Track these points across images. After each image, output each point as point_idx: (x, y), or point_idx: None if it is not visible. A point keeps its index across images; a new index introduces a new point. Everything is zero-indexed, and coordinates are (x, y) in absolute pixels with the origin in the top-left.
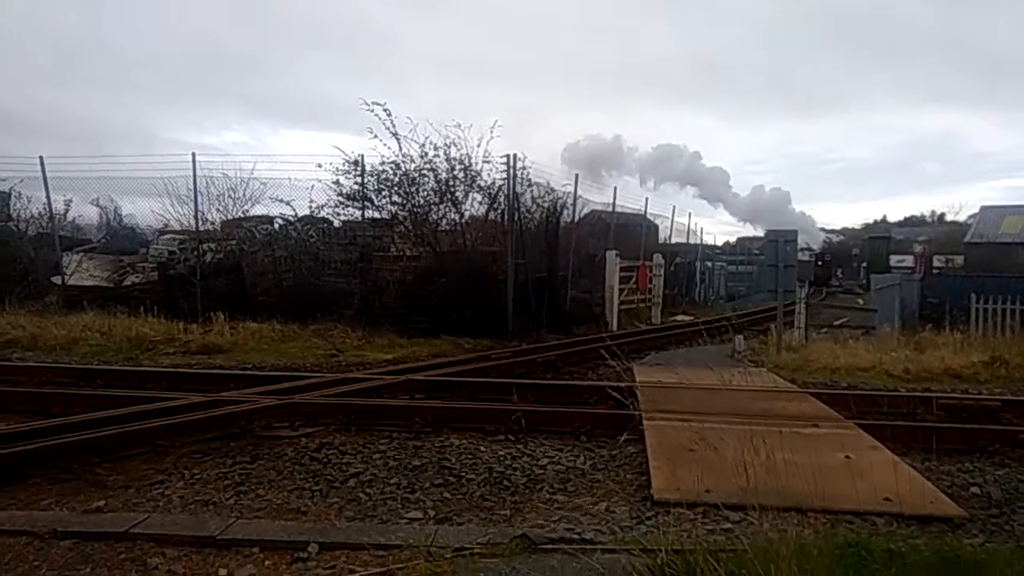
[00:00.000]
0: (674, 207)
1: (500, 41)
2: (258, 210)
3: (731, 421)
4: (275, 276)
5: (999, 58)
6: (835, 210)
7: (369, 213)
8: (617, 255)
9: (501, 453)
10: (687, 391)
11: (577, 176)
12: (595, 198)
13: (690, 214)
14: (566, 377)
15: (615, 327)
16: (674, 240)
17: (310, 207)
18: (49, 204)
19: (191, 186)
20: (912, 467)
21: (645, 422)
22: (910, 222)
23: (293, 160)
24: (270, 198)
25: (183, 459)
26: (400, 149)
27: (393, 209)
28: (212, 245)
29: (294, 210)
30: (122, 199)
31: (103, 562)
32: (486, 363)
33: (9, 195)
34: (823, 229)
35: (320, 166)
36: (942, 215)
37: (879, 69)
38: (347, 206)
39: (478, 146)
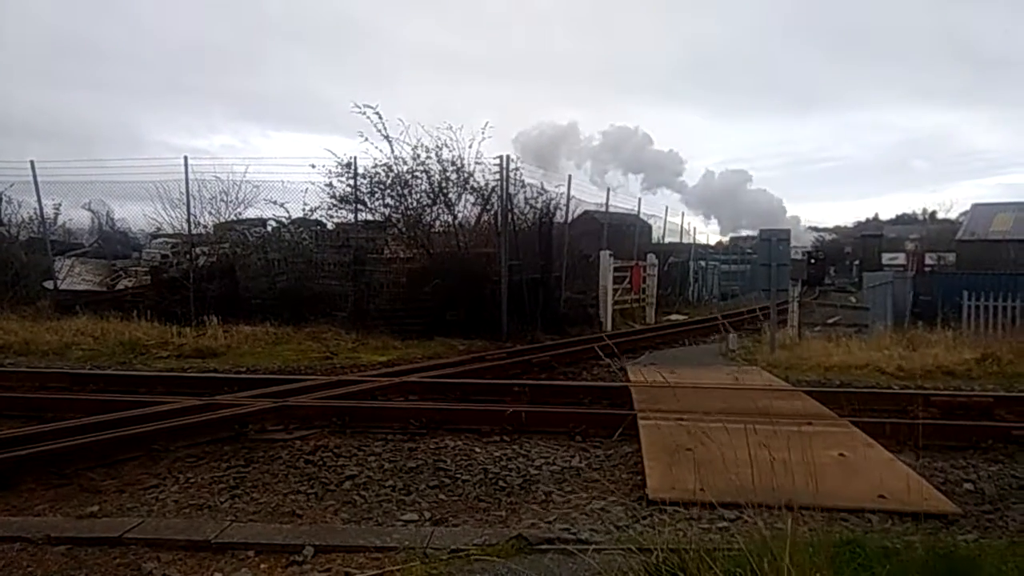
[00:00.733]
0: (667, 207)
1: (488, 39)
2: (251, 213)
3: (725, 420)
4: (268, 279)
5: (989, 56)
6: (827, 209)
7: (362, 215)
8: (611, 255)
9: (496, 454)
10: (681, 390)
11: (570, 177)
12: (588, 198)
13: (683, 214)
14: (561, 378)
15: (609, 327)
16: (668, 240)
17: (303, 209)
18: (40, 209)
19: (183, 189)
20: (906, 464)
21: (640, 421)
22: (902, 220)
23: (285, 163)
24: (263, 200)
25: (177, 463)
26: (392, 151)
27: (386, 211)
28: (205, 248)
29: (287, 212)
30: (114, 203)
31: (97, 567)
32: (480, 364)
33: (0, 199)
34: (814, 228)
35: (313, 167)
36: (933, 213)
37: (868, 67)
38: (340, 208)
39: (469, 147)
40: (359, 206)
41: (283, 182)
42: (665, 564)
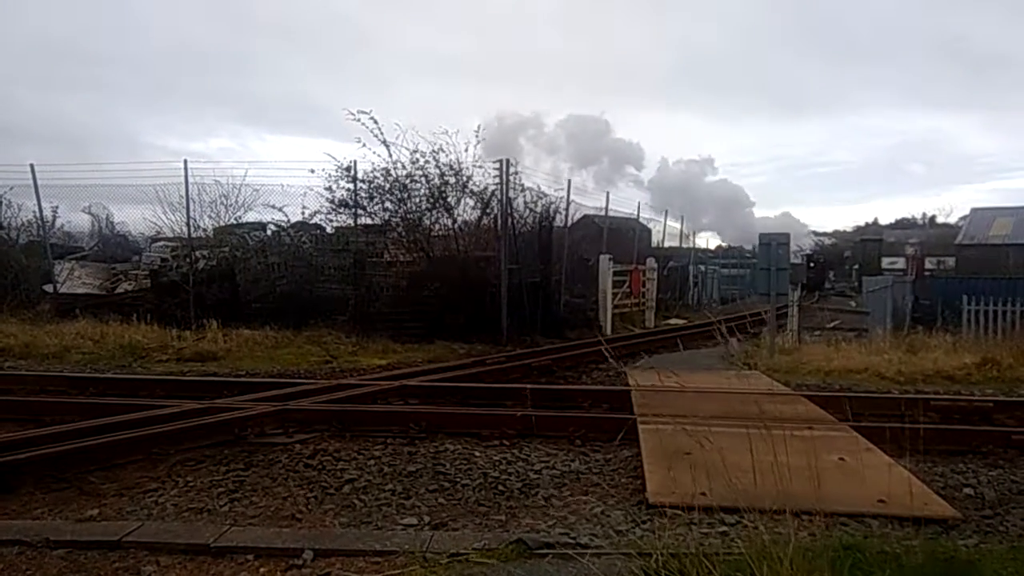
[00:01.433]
0: (666, 211)
1: (482, 41)
2: (251, 217)
3: (725, 424)
4: (268, 283)
5: (984, 59)
6: (825, 213)
7: (362, 219)
8: (610, 259)
9: (496, 458)
10: (681, 394)
11: (570, 182)
12: (588, 202)
13: (682, 218)
14: (560, 382)
15: (609, 331)
16: (667, 244)
17: (303, 213)
18: (40, 212)
19: (183, 193)
20: (906, 468)
21: (640, 425)
22: (901, 224)
23: (285, 167)
24: (263, 204)
25: (177, 467)
26: (390, 156)
27: (386, 215)
28: (205, 252)
29: (287, 216)
30: (114, 207)
31: (96, 571)
32: (480, 368)
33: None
34: (814, 232)
35: (313, 171)
36: (933, 217)
37: (861, 70)
38: (340, 212)
39: (466, 151)
40: (358, 210)
41: (283, 186)
42: (665, 568)
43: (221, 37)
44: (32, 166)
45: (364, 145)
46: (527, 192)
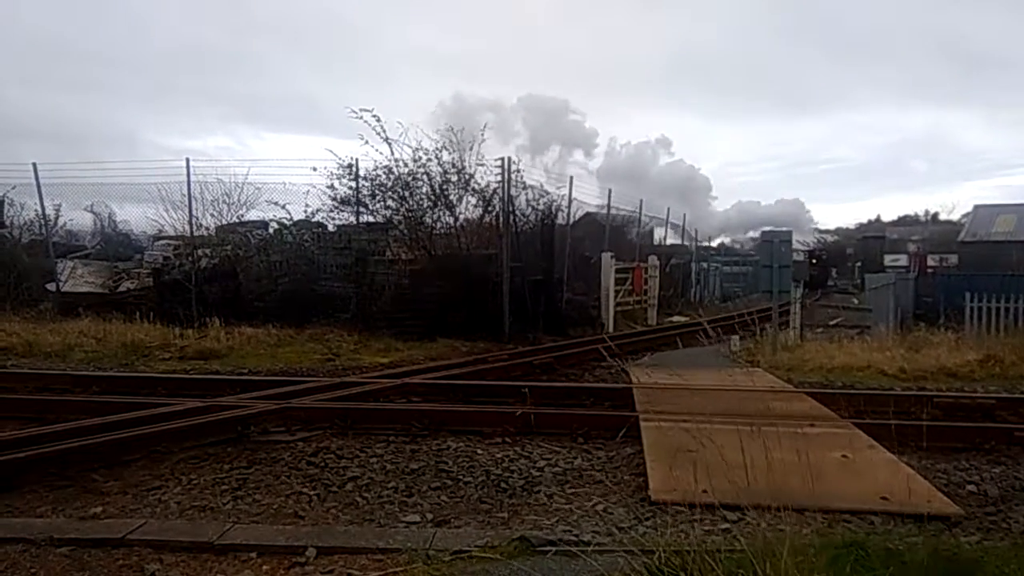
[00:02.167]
0: (668, 209)
1: (478, 39)
2: (253, 215)
3: (728, 421)
4: (270, 281)
5: (983, 56)
6: (827, 210)
7: (364, 217)
8: (612, 257)
9: (498, 455)
10: (684, 392)
11: (572, 179)
12: (591, 200)
13: (684, 215)
14: (563, 379)
15: (611, 329)
16: (669, 241)
17: (305, 211)
18: (43, 211)
19: (185, 191)
20: (909, 465)
21: (642, 423)
22: (904, 221)
23: (287, 165)
24: (265, 202)
25: (180, 465)
26: (392, 153)
27: (388, 213)
28: (207, 250)
29: (289, 214)
30: (116, 205)
31: (100, 569)
32: (483, 366)
33: (2, 202)
34: (817, 229)
35: (315, 169)
36: (936, 214)
37: (860, 68)
38: (342, 210)
39: (470, 149)
40: (360, 208)
41: (284, 184)
42: (667, 565)
43: (219, 35)
44: (35, 165)
45: (367, 143)
46: (529, 190)
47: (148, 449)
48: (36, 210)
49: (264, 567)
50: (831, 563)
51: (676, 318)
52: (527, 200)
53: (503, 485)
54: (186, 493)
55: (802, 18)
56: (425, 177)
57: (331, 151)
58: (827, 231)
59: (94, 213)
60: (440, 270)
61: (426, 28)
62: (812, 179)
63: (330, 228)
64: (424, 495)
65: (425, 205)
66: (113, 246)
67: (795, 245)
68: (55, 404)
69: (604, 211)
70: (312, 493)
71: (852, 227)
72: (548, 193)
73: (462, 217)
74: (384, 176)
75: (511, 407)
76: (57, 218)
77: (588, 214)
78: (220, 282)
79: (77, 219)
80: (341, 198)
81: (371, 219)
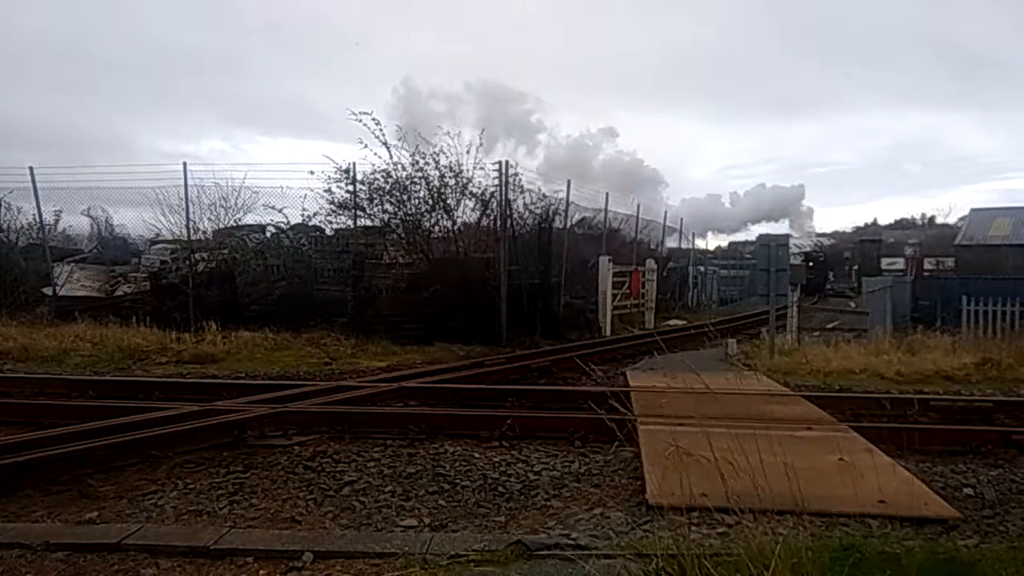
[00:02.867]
0: (666, 212)
1: (475, 41)
2: (250, 219)
3: (725, 425)
4: (268, 285)
5: (977, 59)
6: (823, 214)
7: (361, 221)
8: (610, 260)
9: (496, 459)
10: (681, 395)
11: (569, 182)
12: (588, 204)
13: (682, 220)
14: (560, 383)
15: (609, 332)
16: (667, 245)
17: (302, 215)
18: (39, 215)
19: (182, 195)
20: (906, 469)
21: (639, 427)
22: (900, 225)
23: (283, 169)
24: (262, 206)
25: (176, 469)
26: (391, 157)
27: (385, 217)
28: (204, 254)
29: (286, 218)
30: (113, 209)
31: (96, 574)
32: (480, 370)
33: None
34: (814, 233)
35: (312, 173)
36: (932, 218)
37: (861, 71)
38: (339, 214)
39: (467, 153)
40: (358, 212)
41: (282, 188)
42: (664, 570)
43: (212, 39)
44: (31, 169)
45: (366, 146)
46: (527, 193)
47: (144, 454)
48: (33, 214)
49: (261, 572)
50: (828, 567)
51: (673, 322)
52: (524, 203)
53: (500, 489)
54: (182, 498)
55: (796, 21)
56: (423, 181)
57: (328, 156)
58: (824, 234)
59: (91, 217)
60: (437, 274)
61: (419, 30)
62: (809, 182)
63: (327, 232)
64: (421, 499)
65: (423, 209)
66: (110, 250)
67: (792, 248)
68: (51, 408)
69: (601, 214)
70: (309, 497)
71: (849, 230)
72: (546, 197)
73: (460, 221)
74: (382, 180)
75: (508, 411)
76: (57, 223)
77: (585, 218)
78: (217, 286)
79: (74, 223)
80: (338, 202)
81: (369, 223)
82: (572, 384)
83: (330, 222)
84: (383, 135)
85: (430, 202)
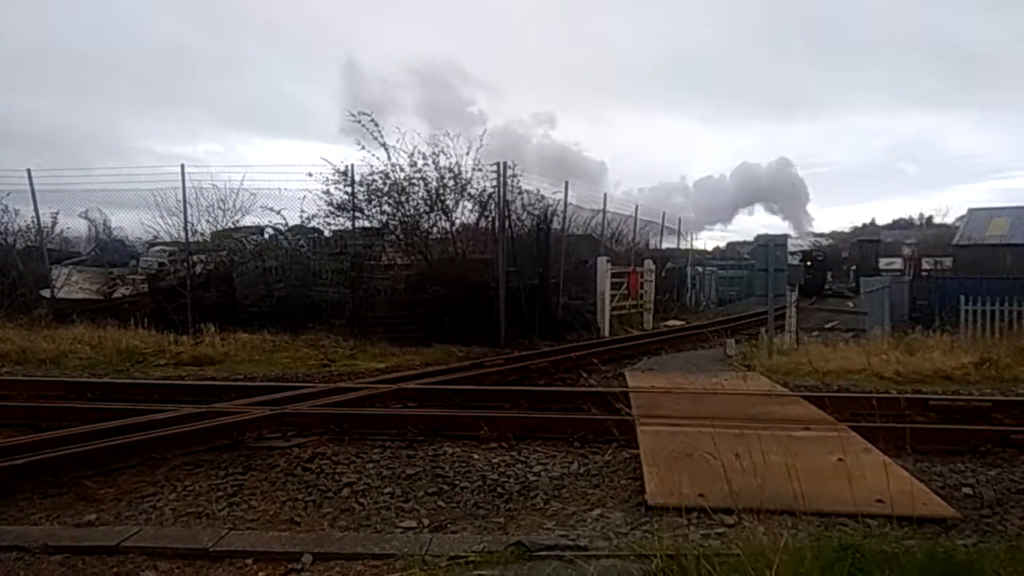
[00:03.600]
0: (664, 213)
1: (470, 43)
2: (248, 220)
3: (724, 425)
4: (266, 286)
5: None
6: (822, 214)
7: (360, 222)
8: (608, 261)
9: (495, 460)
10: (680, 396)
11: (567, 183)
12: (585, 205)
13: (680, 219)
14: (559, 384)
15: (607, 333)
16: (665, 246)
17: (300, 217)
18: (37, 217)
19: (180, 197)
20: (904, 468)
21: (638, 427)
22: (898, 225)
23: (281, 170)
24: (260, 208)
25: (175, 471)
26: (389, 158)
27: (384, 218)
28: (202, 256)
29: (285, 220)
30: (111, 211)
31: None
32: (479, 371)
33: None
34: (813, 233)
35: (310, 175)
36: (930, 218)
37: (857, 71)
38: (337, 216)
39: (467, 154)
40: (356, 213)
41: (280, 190)
42: (664, 570)
43: (206, 40)
44: (29, 171)
45: (364, 148)
46: (525, 195)
47: (143, 456)
48: (31, 217)
49: (260, 573)
50: (827, 567)
51: (672, 322)
52: (523, 205)
53: (499, 490)
54: (181, 500)
55: (794, 21)
56: (421, 182)
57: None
58: (822, 234)
59: (89, 219)
60: (436, 275)
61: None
62: (806, 182)
63: (326, 233)
64: (420, 500)
65: (421, 210)
66: (108, 252)
67: (789, 247)
68: (49, 411)
69: (600, 214)
70: (308, 499)
71: (847, 231)
72: (544, 198)
73: (458, 222)
74: (380, 181)
75: (507, 412)
76: (54, 225)
77: (584, 218)
78: (215, 288)
79: (72, 225)
80: (337, 203)
81: (367, 224)
82: (571, 385)
83: (328, 223)
84: (381, 136)
85: (428, 203)
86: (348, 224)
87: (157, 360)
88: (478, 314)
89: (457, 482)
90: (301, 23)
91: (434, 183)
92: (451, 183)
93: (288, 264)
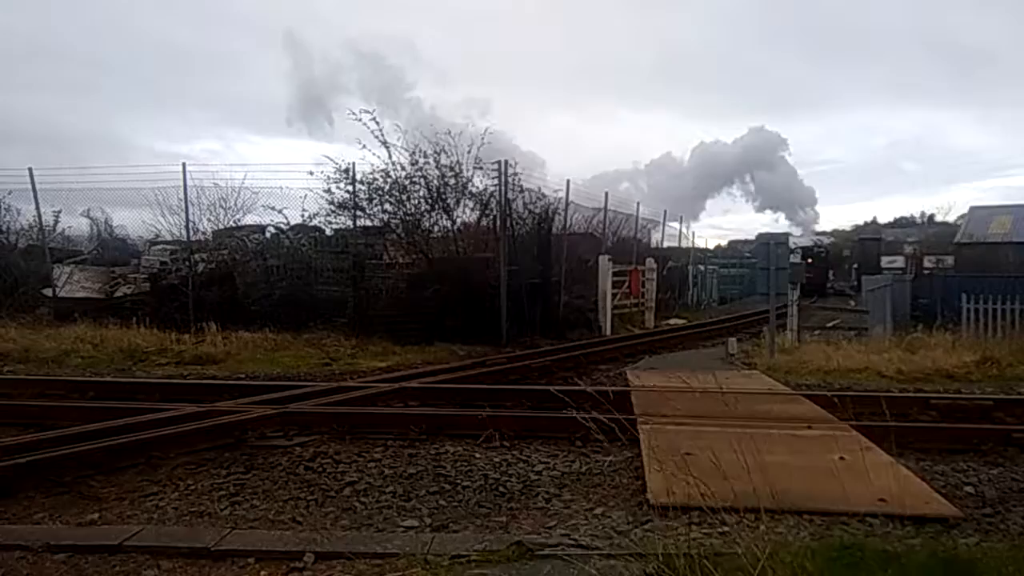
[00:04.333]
0: (665, 211)
1: (464, 41)
2: (250, 219)
3: (726, 424)
4: (267, 285)
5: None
6: (823, 212)
7: (361, 221)
8: (610, 260)
9: (497, 459)
10: (681, 395)
11: (568, 182)
12: (588, 204)
13: (681, 218)
14: (560, 383)
15: (608, 332)
16: (666, 244)
17: (302, 216)
18: (39, 216)
19: (182, 196)
20: (906, 467)
21: (640, 426)
22: (900, 223)
23: (283, 169)
24: (262, 206)
25: (177, 470)
26: (390, 157)
27: (385, 217)
28: (204, 255)
29: (286, 219)
30: (112, 210)
31: (97, 575)
32: (480, 369)
33: None
34: (814, 232)
35: (311, 173)
36: (932, 216)
37: (857, 69)
38: (339, 214)
39: (468, 152)
40: (358, 212)
41: (281, 188)
42: (666, 569)
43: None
44: (31, 170)
45: (364, 147)
46: (526, 193)
47: (145, 455)
48: (32, 216)
49: (262, 573)
50: (829, 565)
51: (674, 321)
52: (524, 203)
53: (501, 489)
54: (183, 499)
55: (793, 19)
56: (422, 181)
57: (328, 156)
58: (823, 233)
59: (90, 218)
60: (437, 274)
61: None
62: (806, 181)
63: (327, 232)
64: (422, 500)
65: (422, 209)
66: (110, 251)
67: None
68: (52, 410)
69: (600, 213)
70: (310, 498)
71: (848, 229)
72: (545, 196)
73: (459, 221)
74: (381, 180)
75: (510, 410)
76: (56, 224)
77: (585, 217)
78: (217, 287)
79: (73, 224)
80: (338, 202)
81: (368, 223)
82: (573, 384)
83: (330, 222)
84: (382, 134)
85: (429, 202)
86: (349, 223)
87: (159, 359)
88: (480, 313)
89: (459, 481)
90: (300, 24)
91: (435, 182)
92: (452, 182)
93: (290, 263)
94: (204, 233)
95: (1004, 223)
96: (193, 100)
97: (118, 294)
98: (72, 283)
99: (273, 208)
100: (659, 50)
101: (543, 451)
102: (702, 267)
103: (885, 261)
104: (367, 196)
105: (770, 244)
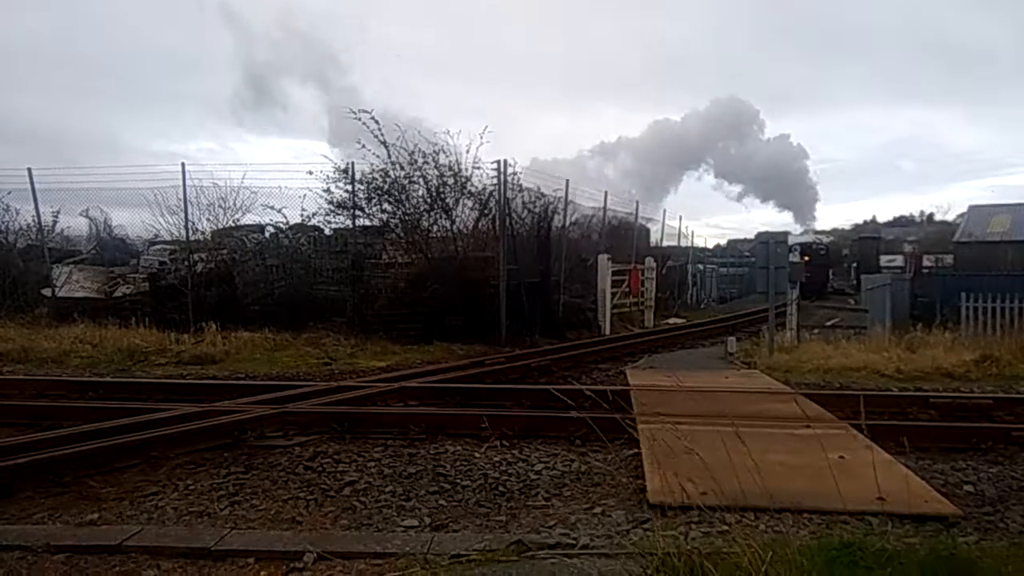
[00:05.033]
0: (664, 210)
1: (460, 41)
2: (249, 219)
3: (725, 423)
4: (267, 285)
5: (973, 55)
6: (822, 212)
7: (360, 221)
8: (609, 259)
9: (496, 459)
10: (681, 394)
11: (568, 181)
12: (584, 202)
13: (680, 217)
14: (560, 382)
15: (608, 331)
16: (665, 243)
17: (301, 215)
18: (38, 216)
19: (181, 196)
20: (906, 466)
21: (640, 425)
22: (899, 222)
23: (282, 168)
24: (261, 206)
25: (177, 470)
26: (389, 157)
27: (384, 216)
28: (203, 255)
29: (285, 218)
30: (111, 210)
31: (97, 575)
32: (480, 369)
33: None
34: (814, 231)
35: (311, 173)
36: (931, 215)
37: (856, 68)
38: (338, 214)
39: (467, 152)
40: (357, 212)
41: (280, 188)
42: (665, 568)
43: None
44: (30, 170)
45: (363, 146)
46: (525, 192)
47: (145, 455)
48: (31, 216)
49: (262, 572)
50: (828, 564)
51: (673, 320)
52: (523, 203)
53: (501, 489)
54: (183, 499)
55: (792, 18)
56: (421, 180)
57: (326, 156)
58: (822, 232)
59: (89, 218)
60: (436, 273)
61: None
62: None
63: (326, 232)
64: (422, 499)
65: (421, 208)
66: (109, 251)
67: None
68: (51, 410)
69: (600, 212)
70: (309, 498)
71: (847, 228)
72: (544, 195)
73: (458, 220)
74: (380, 179)
75: (510, 410)
76: (55, 224)
77: (584, 216)
78: (216, 286)
79: (72, 224)
80: (337, 202)
81: (367, 223)
82: (572, 383)
83: (329, 222)
84: (382, 134)
85: (429, 202)
86: (349, 222)
87: (158, 359)
88: (479, 312)
89: (458, 481)
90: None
91: (434, 181)
92: (451, 181)
93: (289, 262)
94: (203, 233)
95: (1003, 222)
96: (189, 99)
97: (117, 294)
98: (71, 283)
99: (272, 208)
100: (656, 51)
101: (543, 450)
102: (701, 266)
103: (884, 260)
104: (366, 196)
105: (769, 243)
